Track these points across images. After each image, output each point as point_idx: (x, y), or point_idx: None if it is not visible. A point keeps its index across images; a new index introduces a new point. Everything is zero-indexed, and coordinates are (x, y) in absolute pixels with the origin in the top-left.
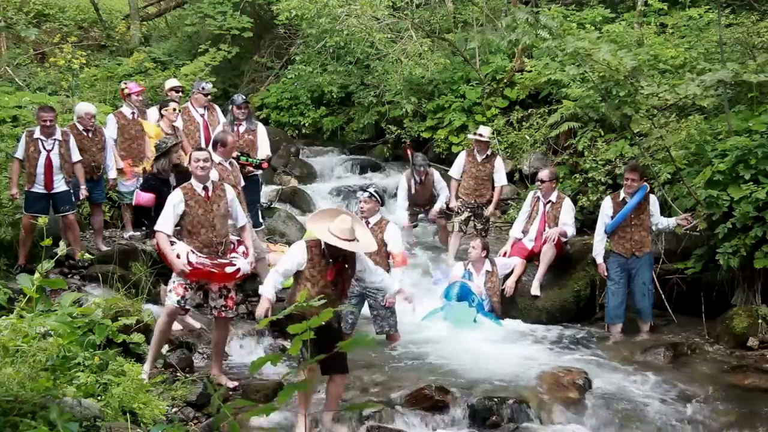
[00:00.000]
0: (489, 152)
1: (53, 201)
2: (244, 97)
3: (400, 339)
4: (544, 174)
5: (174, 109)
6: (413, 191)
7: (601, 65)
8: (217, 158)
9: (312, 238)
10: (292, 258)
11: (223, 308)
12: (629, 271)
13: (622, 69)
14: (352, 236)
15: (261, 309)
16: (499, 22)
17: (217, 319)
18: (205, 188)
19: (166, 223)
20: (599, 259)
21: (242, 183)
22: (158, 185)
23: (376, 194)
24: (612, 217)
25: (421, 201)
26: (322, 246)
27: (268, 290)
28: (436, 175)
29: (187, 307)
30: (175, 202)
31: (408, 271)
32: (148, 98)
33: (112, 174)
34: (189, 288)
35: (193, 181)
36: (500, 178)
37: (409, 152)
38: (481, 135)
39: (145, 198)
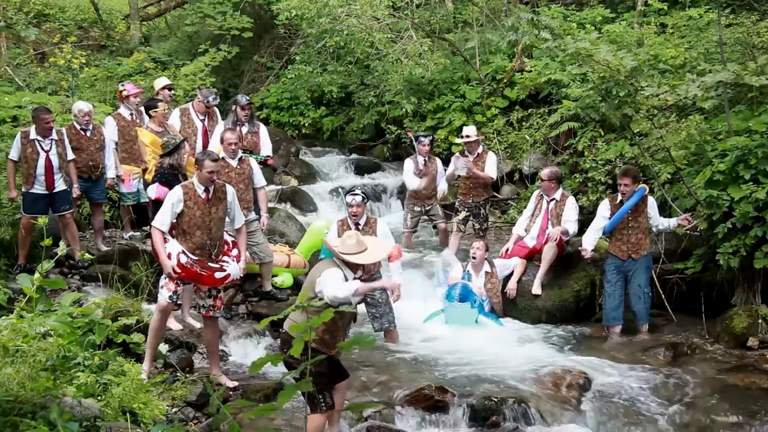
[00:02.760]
0: (480, 150)
1: (53, 201)
2: (248, 98)
3: (398, 336)
4: (543, 173)
5: (164, 110)
6: (418, 179)
7: (602, 65)
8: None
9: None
10: (339, 278)
11: (211, 308)
12: (626, 274)
13: (623, 69)
14: (359, 247)
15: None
16: (500, 23)
17: (205, 319)
18: (207, 190)
19: (163, 220)
20: (585, 245)
21: (263, 183)
22: (172, 180)
23: (365, 196)
24: (609, 219)
25: (424, 192)
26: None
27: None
28: (439, 162)
29: (179, 302)
30: (174, 200)
31: (408, 273)
32: (148, 98)
33: (111, 173)
34: (180, 283)
35: (195, 181)
36: (490, 171)
37: (410, 134)
38: (467, 137)
39: (164, 191)
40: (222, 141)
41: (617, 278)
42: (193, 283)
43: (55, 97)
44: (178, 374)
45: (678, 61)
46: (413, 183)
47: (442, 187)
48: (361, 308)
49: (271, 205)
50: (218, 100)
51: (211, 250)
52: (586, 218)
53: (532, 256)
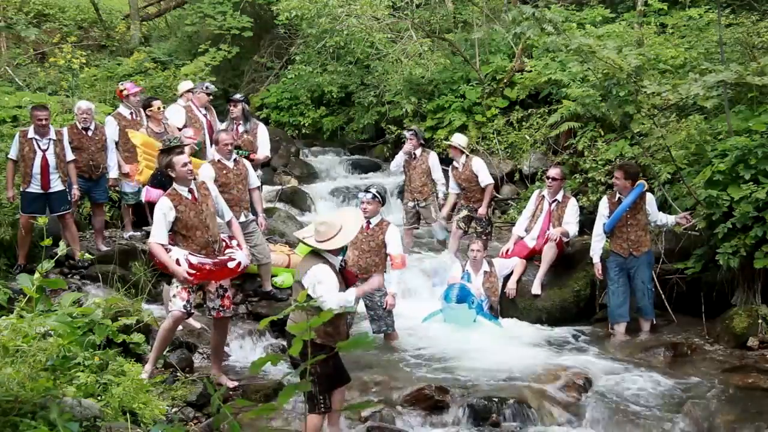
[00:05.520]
0: (464, 159)
1: (49, 201)
2: (239, 96)
3: (397, 338)
4: (555, 172)
5: (159, 108)
6: (406, 168)
7: (605, 63)
8: (216, 156)
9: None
10: (331, 277)
11: (221, 308)
12: (628, 271)
13: (626, 67)
14: (333, 230)
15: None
16: (499, 24)
17: (215, 320)
18: (191, 190)
19: (159, 233)
20: (596, 259)
21: (257, 183)
22: (166, 182)
23: (378, 195)
24: (608, 217)
25: (413, 183)
26: (330, 260)
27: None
28: (431, 156)
29: (192, 311)
30: (165, 210)
31: (408, 273)
32: (147, 97)
33: (113, 174)
34: (191, 291)
35: (176, 185)
36: (484, 179)
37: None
38: (450, 142)
39: (155, 194)
40: (217, 142)
41: (620, 275)
42: (204, 285)
43: (55, 97)
44: (178, 374)
45: (678, 61)
46: (394, 165)
47: (440, 187)
48: (361, 310)
49: (271, 205)
50: (213, 87)
51: (213, 246)
52: (586, 218)
53: (532, 257)
